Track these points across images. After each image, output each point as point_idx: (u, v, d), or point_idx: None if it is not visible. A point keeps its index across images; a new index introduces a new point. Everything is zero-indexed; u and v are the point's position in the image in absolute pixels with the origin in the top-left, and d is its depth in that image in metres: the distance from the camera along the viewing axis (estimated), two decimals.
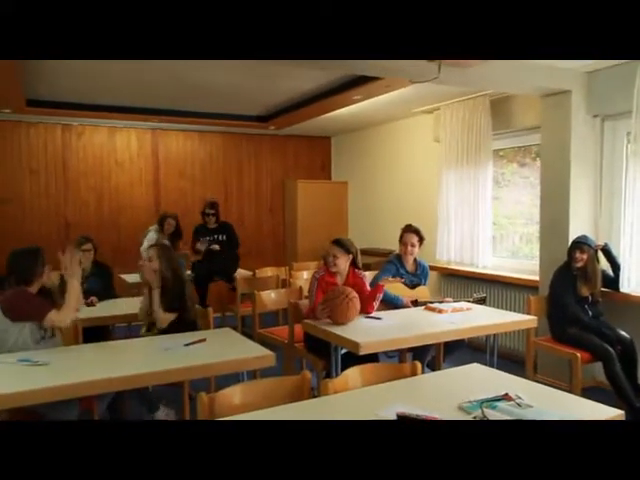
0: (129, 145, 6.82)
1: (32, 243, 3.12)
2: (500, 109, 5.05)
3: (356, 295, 3.30)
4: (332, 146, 8.01)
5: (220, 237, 5.83)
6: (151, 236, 5.49)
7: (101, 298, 4.07)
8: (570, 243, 4.02)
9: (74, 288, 2.82)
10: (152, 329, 3.39)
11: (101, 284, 4.20)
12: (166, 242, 5.04)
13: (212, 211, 5.82)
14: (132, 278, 5.07)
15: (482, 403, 1.94)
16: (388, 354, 4.02)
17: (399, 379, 2.33)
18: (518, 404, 1.95)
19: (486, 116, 5.04)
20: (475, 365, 2.55)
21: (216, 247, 5.67)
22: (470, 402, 1.99)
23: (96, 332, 3.22)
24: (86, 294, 4.01)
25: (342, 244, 3.66)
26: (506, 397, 2.01)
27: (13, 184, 6.26)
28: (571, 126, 4.20)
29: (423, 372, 2.53)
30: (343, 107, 5.53)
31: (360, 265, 3.77)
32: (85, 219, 6.55)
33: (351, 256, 3.68)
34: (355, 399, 2.12)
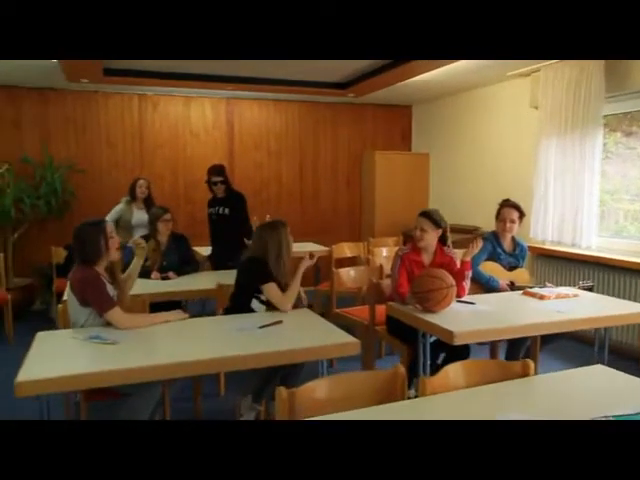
0: (204, 115, 6.67)
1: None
2: (614, 68, 4.40)
3: (454, 283, 2.94)
4: (413, 115, 7.53)
5: (222, 210, 4.71)
6: (119, 208, 5.06)
7: (180, 272, 3.94)
8: None
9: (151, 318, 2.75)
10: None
11: (179, 257, 4.06)
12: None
13: (219, 178, 4.67)
14: (206, 251, 4.90)
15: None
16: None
17: (509, 380, 1.97)
18: None
19: (598, 76, 4.40)
20: (599, 367, 2.15)
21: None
22: (606, 417, 1.60)
23: (167, 308, 3.03)
24: (165, 269, 3.91)
25: (431, 216, 3.28)
26: None
27: (91, 156, 6.27)
28: None
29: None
30: (428, 71, 5.09)
31: (450, 242, 3.40)
32: (160, 192, 6.48)
33: (440, 231, 3.29)
34: (460, 403, 1.79)
